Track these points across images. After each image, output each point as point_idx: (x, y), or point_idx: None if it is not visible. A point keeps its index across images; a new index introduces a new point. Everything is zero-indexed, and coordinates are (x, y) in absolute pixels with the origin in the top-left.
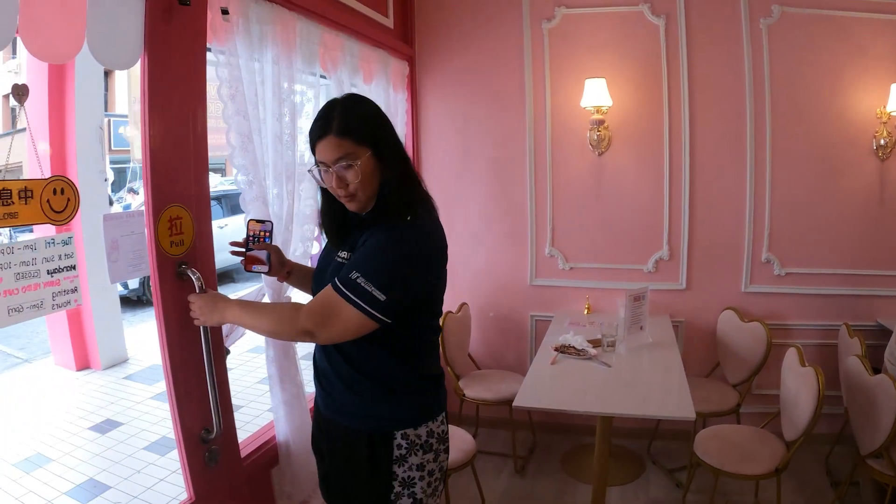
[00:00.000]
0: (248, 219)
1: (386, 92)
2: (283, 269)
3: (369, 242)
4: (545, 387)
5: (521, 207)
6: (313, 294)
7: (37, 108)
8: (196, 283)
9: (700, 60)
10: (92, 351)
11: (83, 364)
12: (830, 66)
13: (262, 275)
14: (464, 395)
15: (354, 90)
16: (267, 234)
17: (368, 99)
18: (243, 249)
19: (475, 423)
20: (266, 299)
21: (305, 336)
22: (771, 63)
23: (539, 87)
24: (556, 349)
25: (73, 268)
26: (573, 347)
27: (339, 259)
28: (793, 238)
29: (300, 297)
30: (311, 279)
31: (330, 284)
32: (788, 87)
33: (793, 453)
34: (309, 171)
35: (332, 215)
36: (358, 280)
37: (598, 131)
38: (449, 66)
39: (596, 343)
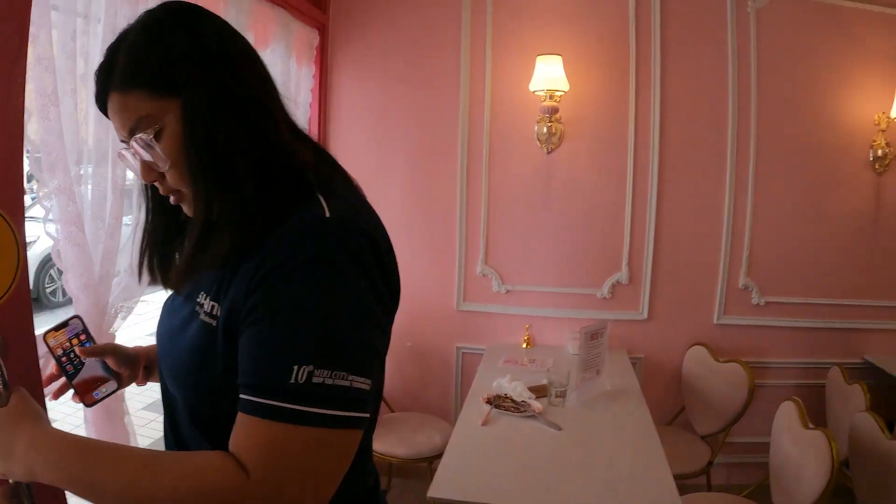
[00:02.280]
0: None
1: (286, 63)
2: (138, 369)
3: (281, 289)
4: (472, 464)
5: (450, 214)
6: (167, 378)
7: None
8: None
9: (676, 43)
10: None
11: None
12: (826, 61)
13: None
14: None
15: None
16: (82, 336)
17: (195, 11)
18: (63, 378)
19: (388, 472)
20: None
21: None
22: (759, 54)
23: (478, 66)
24: (489, 401)
25: None
26: (510, 399)
27: (201, 313)
28: (775, 261)
29: None
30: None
31: (252, 416)
32: (777, 83)
33: None
34: (119, 153)
35: (160, 232)
36: (315, 379)
37: (549, 123)
38: (370, 38)
39: (539, 391)
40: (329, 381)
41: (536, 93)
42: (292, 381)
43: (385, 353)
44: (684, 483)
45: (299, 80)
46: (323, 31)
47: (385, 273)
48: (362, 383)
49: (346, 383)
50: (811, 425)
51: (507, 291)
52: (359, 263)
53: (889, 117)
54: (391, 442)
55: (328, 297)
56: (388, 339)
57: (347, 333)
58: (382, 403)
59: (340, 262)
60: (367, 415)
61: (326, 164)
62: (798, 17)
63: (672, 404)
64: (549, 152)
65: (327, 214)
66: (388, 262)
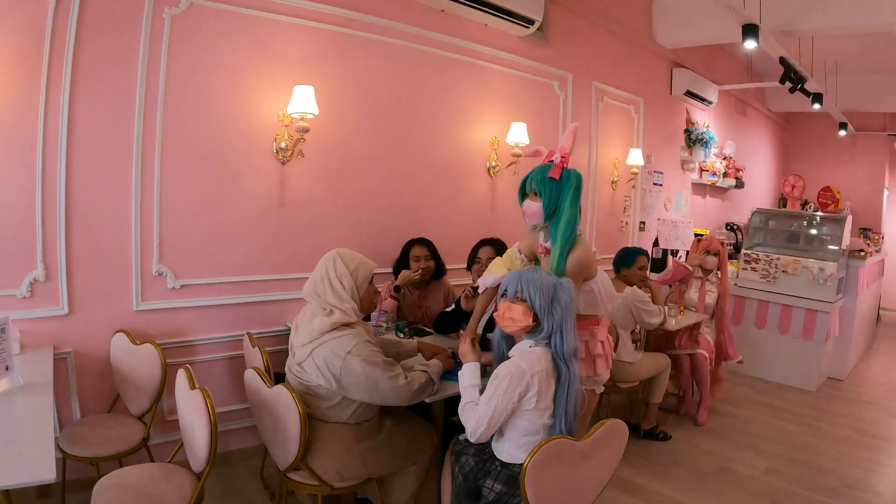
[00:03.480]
0: None
1: None
2: None
3: None
4: None
5: None
6: None
7: None
8: None
9: (92, 47)
10: None
11: None
12: (236, 65)
13: None
14: None
15: None
16: None
17: None
18: None
19: None
20: None
21: None
22: (170, 57)
23: None
24: None
25: None
26: None
27: None
28: (188, 247)
29: None
30: None
31: None
32: (188, 84)
33: (203, 484)
34: None
35: None
36: None
37: None
38: None
39: None
40: None
41: None
42: None
43: None
44: (124, 460)
45: None
46: None
47: None
48: None
49: None
50: (197, 386)
51: None
52: None
53: (289, 115)
54: None
55: None
56: None
57: None
58: None
59: None
60: None
61: None
62: (212, 25)
63: (108, 392)
64: None
65: None
66: None
